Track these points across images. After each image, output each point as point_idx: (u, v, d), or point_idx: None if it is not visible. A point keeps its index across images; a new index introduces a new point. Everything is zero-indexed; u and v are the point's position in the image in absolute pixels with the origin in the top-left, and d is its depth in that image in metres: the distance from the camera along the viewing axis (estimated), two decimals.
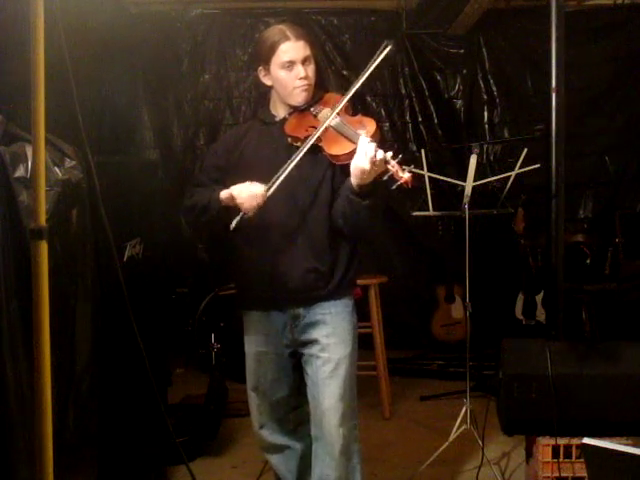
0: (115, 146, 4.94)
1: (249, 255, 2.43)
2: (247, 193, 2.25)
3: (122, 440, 2.80)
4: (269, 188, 2.25)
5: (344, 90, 2.37)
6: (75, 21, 3.00)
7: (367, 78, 2.30)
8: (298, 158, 2.26)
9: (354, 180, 2.19)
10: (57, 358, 2.05)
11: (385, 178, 2.15)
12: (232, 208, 2.30)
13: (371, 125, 2.29)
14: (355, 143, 2.20)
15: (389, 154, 2.14)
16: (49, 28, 1.64)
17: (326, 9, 5.74)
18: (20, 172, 2.04)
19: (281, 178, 2.25)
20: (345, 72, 5.67)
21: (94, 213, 2.35)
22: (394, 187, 2.13)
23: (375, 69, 2.27)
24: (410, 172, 2.11)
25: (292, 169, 2.27)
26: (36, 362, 1.62)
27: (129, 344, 2.27)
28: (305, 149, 2.26)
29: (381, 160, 2.12)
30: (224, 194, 2.31)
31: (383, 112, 5.76)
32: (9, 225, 1.99)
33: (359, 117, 2.37)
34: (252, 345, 2.51)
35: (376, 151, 2.12)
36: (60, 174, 2.21)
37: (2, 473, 1.96)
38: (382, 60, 2.28)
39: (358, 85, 2.32)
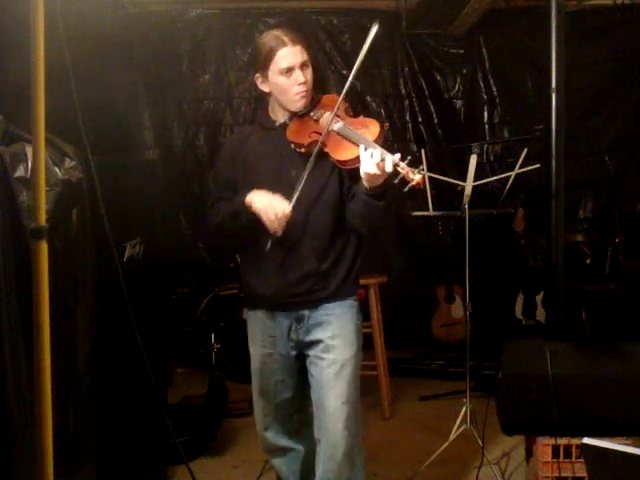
0: (115, 146, 4.93)
1: (252, 256, 2.43)
2: (274, 214, 2.23)
3: (122, 440, 2.79)
4: (292, 205, 2.24)
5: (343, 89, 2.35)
6: (75, 21, 3.00)
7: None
8: (310, 168, 2.24)
9: (366, 184, 2.17)
10: (57, 358, 2.05)
11: (396, 181, 2.10)
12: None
13: (374, 126, 2.25)
14: (360, 147, 2.16)
15: (397, 156, 2.10)
16: (49, 28, 1.64)
17: (326, 9, 5.74)
18: (20, 172, 2.04)
19: (299, 191, 2.24)
20: (345, 72, 5.63)
21: (94, 213, 2.35)
22: (406, 189, 2.09)
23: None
24: (420, 173, 2.06)
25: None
26: (36, 362, 1.62)
27: (129, 344, 2.27)
28: (313, 160, 2.24)
29: (389, 164, 2.08)
30: (252, 208, 2.29)
31: (383, 112, 5.74)
32: (9, 225, 1.99)
33: (361, 118, 2.33)
34: (257, 347, 2.50)
35: (382, 156, 2.09)
36: (60, 174, 2.21)
37: (2, 473, 1.96)
38: (370, 48, 2.26)
39: (353, 73, 2.29)
